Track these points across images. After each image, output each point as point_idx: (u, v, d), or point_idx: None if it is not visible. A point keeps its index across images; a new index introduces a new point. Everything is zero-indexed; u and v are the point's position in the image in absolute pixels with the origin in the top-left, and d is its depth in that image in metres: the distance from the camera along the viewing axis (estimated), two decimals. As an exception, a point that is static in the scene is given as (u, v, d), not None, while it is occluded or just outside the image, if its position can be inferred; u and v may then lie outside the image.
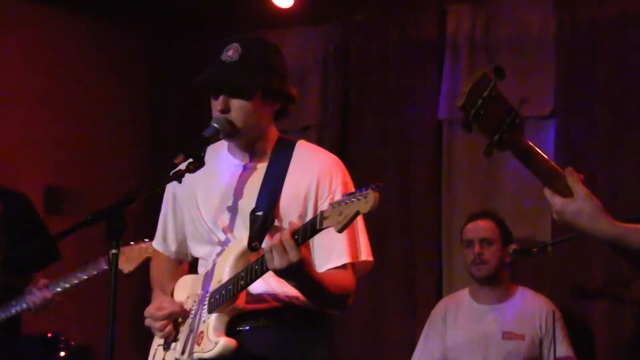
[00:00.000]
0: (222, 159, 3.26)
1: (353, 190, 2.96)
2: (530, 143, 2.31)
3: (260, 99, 3.13)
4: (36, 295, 4.57)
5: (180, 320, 3.24)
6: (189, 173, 2.96)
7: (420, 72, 5.92)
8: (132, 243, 4.53)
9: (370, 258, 3.21)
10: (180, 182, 2.94)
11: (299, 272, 2.89)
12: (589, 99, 5.40)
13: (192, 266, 3.49)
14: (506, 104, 2.24)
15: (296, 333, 3.15)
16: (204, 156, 3.00)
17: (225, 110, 3.09)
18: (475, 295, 5.06)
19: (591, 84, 5.40)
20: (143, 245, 4.54)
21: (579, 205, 2.34)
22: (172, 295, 3.36)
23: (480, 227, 5.02)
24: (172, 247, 3.44)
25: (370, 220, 3.14)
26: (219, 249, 3.20)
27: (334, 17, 6.23)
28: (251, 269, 2.99)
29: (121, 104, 6.59)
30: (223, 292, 3.06)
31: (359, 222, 3.16)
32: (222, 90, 3.10)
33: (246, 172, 3.22)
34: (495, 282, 5.00)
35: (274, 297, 3.13)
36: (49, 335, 5.51)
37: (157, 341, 3.31)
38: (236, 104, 3.10)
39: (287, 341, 3.13)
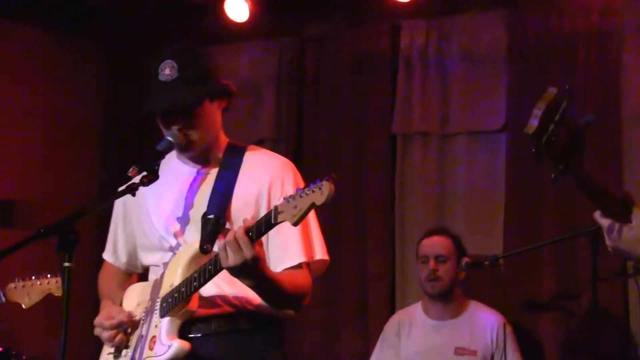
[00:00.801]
0: (173, 167, 3.26)
1: None
2: (588, 169, 2.14)
3: (209, 105, 3.15)
4: None
5: (129, 329, 3.23)
6: (143, 186, 2.96)
7: (374, 87, 5.97)
8: (33, 278, 4.50)
9: (326, 257, 3.21)
10: (134, 195, 2.93)
11: (253, 269, 2.87)
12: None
13: (142, 278, 3.46)
14: (574, 126, 2.04)
15: (249, 339, 3.14)
16: (158, 169, 3.00)
17: (183, 129, 3.10)
18: (427, 310, 5.09)
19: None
20: (46, 280, 4.51)
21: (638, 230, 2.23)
22: (121, 304, 3.34)
23: (436, 244, 5.06)
24: (123, 258, 3.44)
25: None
26: (170, 254, 3.19)
27: (289, 31, 6.25)
28: (204, 270, 2.97)
29: (75, 118, 6.55)
30: (176, 294, 3.05)
31: (314, 221, 3.19)
32: (174, 113, 3.10)
33: (198, 178, 3.23)
34: (448, 298, 5.04)
35: (226, 301, 3.12)
36: (0, 349, 5.45)
37: (107, 349, 3.29)
38: (192, 119, 3.11)
39: (240, 348, 3.12)
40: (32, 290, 4.45)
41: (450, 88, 5.77)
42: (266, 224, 2.83)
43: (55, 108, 6.42)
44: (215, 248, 3.03)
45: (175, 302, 3.05)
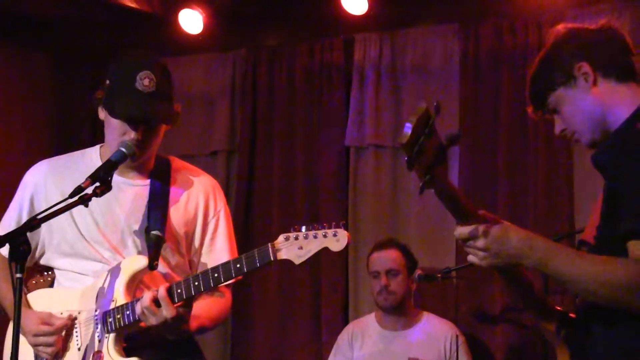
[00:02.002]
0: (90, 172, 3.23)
1: (229, 211, 3.26)
2: (451, 181, 2.28)
3: (171, 124, 3.25)
4: None
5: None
6: (96, 197, 2.94)
7: (328, 99, 5.98)
8: None
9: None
10: (87, 206, 2.91)
11: (176, 328, 2.97)
12: (491, 126, 5.53)
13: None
14: (439, 140, 2.16)
15: (172, 352, 3.16)
16: (111, 180, 2.98)
17: (143, 140, 3.13)
18: (381, 321, 5.11)
19: (493, 112, 5.53)
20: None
21: (505, 226, 2.37)
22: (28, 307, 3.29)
23: (386, 258, 5.07)
24: None
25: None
26: (101, 266, 3.18)
27: (242, 43, 6.25)
28: (134, 315, 3.02)
29: (24, 128, 6.48)
30: (128, 313, 3.05)
31: (234, 241, 3.32)
32: (147, 125, 3.13)
33: (130, 189, 3.24)
34: (401, 310, 5.06)
35: None
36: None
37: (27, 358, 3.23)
38: (152, 133, 3.16)
39: (169, 357, 3.15)
40: None
41: (403, 100, 5.80)
42: (262, 261, 2.89)
43: (2, 121, 6.33)
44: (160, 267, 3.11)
45: (128, 320, 3.05)
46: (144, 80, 3.11)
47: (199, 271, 3.11)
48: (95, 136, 6.44)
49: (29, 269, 3.37)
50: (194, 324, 3.06)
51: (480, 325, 5.41)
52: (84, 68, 6.48)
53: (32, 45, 6.40)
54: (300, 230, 2.86)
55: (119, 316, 3.06)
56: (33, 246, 3.27)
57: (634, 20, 5.15)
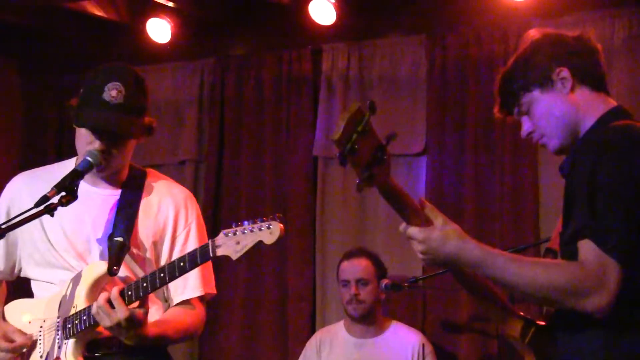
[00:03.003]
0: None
1: (202, 224, 3.23)
2: (394, 180, 2.30)
3: (136, 138, 3.22)
4: None
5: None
6: (62, 206, 2.93)
7: (296, 109, 5.99)
8: None
9: (214, 291, 3.32)
10: (52, 215, 2.90)
11: (131, 331, 2.96)
12: (458, 137, 5.56)
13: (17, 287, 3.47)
14: (377, 140, 2.19)
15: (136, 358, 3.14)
16: (77, 190, 2.98)
17: (107, 151, 3.12)
18: (350, 329, 5.13)
19: (461, 122, 5.56)
20: None
21: (443, 228, 2.39)
22: (3, 318, 3.30)
23: (357, 267, 5.09)
24: (0, 266, 3.38)
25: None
26: (69, 274, 3.18)
27: (210, 53, 6.25)
28: (90, 318, 3.03)
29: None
30: (84, 317, 3.05)
31: None
32: (110, 136, 3.12)
33: (100, 199, 3.24)
34: (370, 319, 5.08)
35: None
36: None
37: None
38: (119, 146, 3.15)
39: None
40: None
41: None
42: (202, 256, 2.89)
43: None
44: (121, 271, 3.10)
45: (84, 324, 3.06)
46: (112, 92, 3.09)
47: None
48: (61, 144, 6.44)
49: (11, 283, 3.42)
50: (153, 330, 3.05)
51: (447, 334, 5.43)
52: (52, 76, 6.45)
53: (0, 52, 6.37)
54: (241, 225, 2.84)
55: (76, 321, 3.06)
56: (12, 261, 3.34)
57: (597, 33, 5.18)
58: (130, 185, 3.27)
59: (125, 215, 3.18)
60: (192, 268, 2.94)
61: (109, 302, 2.92)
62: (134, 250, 3.17)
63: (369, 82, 5.84)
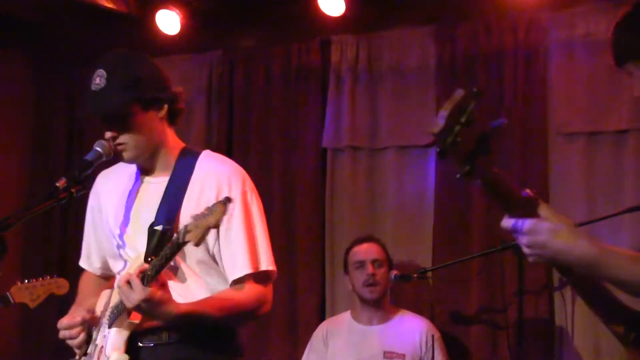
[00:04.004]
0: (130, 175, 3.27)
1: (249, 199, 3.12)
2: (498, 171, 2.11)
3: (141, 112, 3.12)
4: None
5: (95, 331, 3.23)
6: (73, 197, 2.94)
7: (305, 100, 5.99)
8: (34, 279, 4.60)
9: (271, 267, 3.20)
10: (62, 205, 2.91)
11: (151, 310, 2.92)
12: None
13: None
14: (481, 129, 2.03)
15: (199, 350, 3.11)
16: (85, 180, 2.98)
17: (116, 137, 3.10)
18: (357, 316, 5.13)
19: (470, 114, 5.54)
20: (47, 281, 4.75)
21: (555, 221, 2.19)
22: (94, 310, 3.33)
23: (371, 249, 5.11)
24: (96, 263, 3.43)
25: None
26: (123, 263, 3.21)
27: (219, 45, 6.25)
28: (120, 305, 3.04)
29: (3, 129, 6.46)
30: (120, 306, 3.06)
31: (261, 231, 3.19)
32: (103, 121, 3.10)
33: (150, 186, 3.22)
34: (380, 304, 5.08)
35: None
36: None
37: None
38: (122, 127, 3.10)
39: (189, 358, 3.10)
40: (36, 291, 4.66)
41: (379, 103, 5.81)
42: (173, 246, 2.84)
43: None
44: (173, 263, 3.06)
45: (119, 313, 3.07)
46: (95, 80, 3.06)
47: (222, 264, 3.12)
48: (71, 136, 6.46)
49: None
50: (185, 308, 2.98)
51: (456, 325, 5.43)
52: (61, 68, 6.46)
53: (10, 44, 6.38)
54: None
55: (115, 310, 3.08)
56: (104, 257, 3.36)
57: (608, 24, 5.17)
58: (179, 169, 3.20)
59: (169, 202, 3.13)
60: (157, 273, 2.88)
61: (129, 283, 2.90)
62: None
63: (378, 74, 5.83)
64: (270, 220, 5.74)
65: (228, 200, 2.72)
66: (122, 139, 3.10)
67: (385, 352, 4.94)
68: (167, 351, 3.08)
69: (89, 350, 3.21)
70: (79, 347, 3.23)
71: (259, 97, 6.12)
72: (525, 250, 2.20)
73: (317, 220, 5.87)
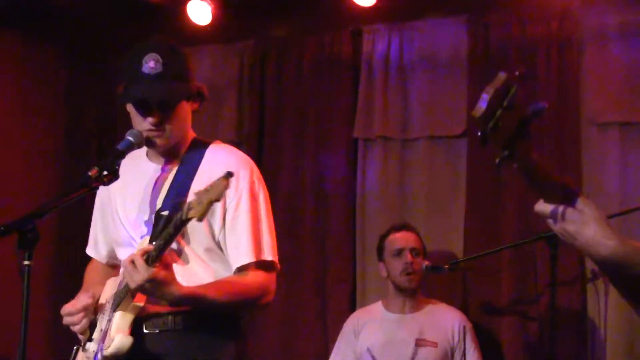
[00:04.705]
0: (140, 164, 3.31)
1: (256, 190, 3.19)
2: (537, 155, 2.07)
3: (184, 103, 3.23)
4: None
5: (99, 316, 3.27)
6: (104, 185, 2.97)
7: (336, 90, 5.98)
8: None
9: (272, 258, 3.24)
10: (94, 194, 2.96)
11: (154, 290, 2.95)
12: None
13: None
14: (522, 113, 1.98)
15: (203, 336, 3.16)
16: (118, 169, 3.01)
17: (159, 123, 3.15)
18: (388, 305, 5.13)
19: (502, 104, 5.51)
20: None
21: (586, 213, 2.16)
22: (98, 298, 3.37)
23: (409, 237, 5.11)
24: (103, 252, 3.49)
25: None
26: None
27: (251, 35, 6.25)
28: (125, 287, 3.07)
29: (36, 119, 6.50)
30: (125, 289, 3.10)
31: (266, 221, 3.24)
32: (155, 106, 3.15)
33: (160, 175, 3.27)
34: (414, 294, 5.09)
35: None
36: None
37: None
38: (169, 115, 3.17)
39: (193, 344, 3.14)
40: None
41: (411, 93, 5.80)
42: (177, 222, 2.86)
43: (15, 111, 6.36)
44: (178, 246, 3.12)
45: (124, 295, 3.10)
46: (149, 63, 3.12)
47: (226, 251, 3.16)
48: (103, 126, 6.49)
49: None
50: (187, 290, 3.02)
51: (487, 316, 5.41)
52: (94, 59, 6.49)
53: (44, 37, 6.41)
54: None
55: (120, 294, 3.12)
56: (110, 245, 3.43)
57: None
58: (189, 158, 3.27)
59: (177, 189, 3.18)
60: (161, 252, 2.91)
61: (132, 263, 2.93)
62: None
63: (409, 64, 5.81)
64: (300, 210, 5.84)
65: (230, 174, 2.74)
66: (166, 125, 3.17)
67: (416, 340, 4.94)
68: (172, 337, 3.13)
69: (93, 336, 3.24)
70: (82, 332, 3.27)
71: (290, 88, 6.12)
72: (558, 234, 2.20)
73: (348, 211, 5.86)
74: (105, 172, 2.96)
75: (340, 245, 5.83)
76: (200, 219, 2.77)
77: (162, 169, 3.28)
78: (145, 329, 3.13)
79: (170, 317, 3.13)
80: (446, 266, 4.97)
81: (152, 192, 3.24)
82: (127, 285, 3.05)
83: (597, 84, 5.32)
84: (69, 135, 6.65)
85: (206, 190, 2.77)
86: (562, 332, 5.06)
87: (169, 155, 3.28)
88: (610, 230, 2.15)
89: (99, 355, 3.13)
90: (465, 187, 5.58)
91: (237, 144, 6.19)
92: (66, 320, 3.27)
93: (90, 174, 2.94)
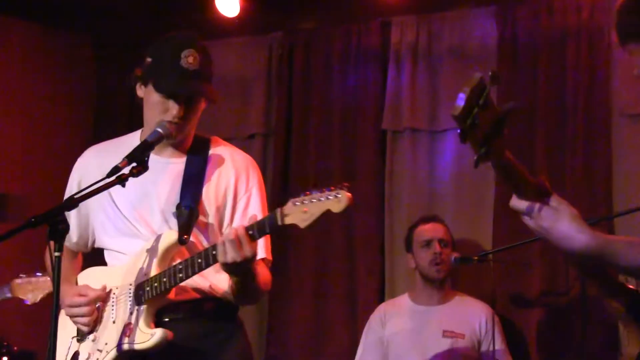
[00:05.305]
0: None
1: (264, 190, 3.32)
2: (510, 154, 2.17)
3: (204, 100, 3.32)
4: None
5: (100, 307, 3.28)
6: (133, 177, 2.98)
7: (364, 82, 5.97)
8: (38, 274, 4.49)
9: (270, 257, 3.36)
10: (124, 185, 2.96)
11: (247, 267, 3.03)
12: (529, 109, 5.49)
13: (89, 258, 3.57)
14: (496, 112, 2.07)
15: (215, 324, 3.27)
16: (147, 161, 3.02)
17: (185, 117, 3.23)
18: (415, 297, 5.13)
19: (532, 94, 5.49)
20: (49, 278, 4.49)
21: (559, 209, 2.25)
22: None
23: (438, 228, 5.11)
24: (73, 238, 3.47)
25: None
26: (139, 242, 3.25)
27: (278, 26, 6.25)
28: (193, 263, 3.07)
29: (65, 109, 6.54)
30: (155, 284, 3.13)
31: None
32: (190, 100, 3.23)
33: (165, 168, 3.30)
34: (441, 285, 5.09)
35: (195, 288, 3.23)
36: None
37: (70, 334, 3.33)
38: (193, 110, 3.26)
39: (207, 332, 3.24)
40: (37, 287, 4.43)
41: (440, 84, 5.78)
42: (271, 225, 2.94)
43: (45, 101, 6.40)
44: (192, 239, 3.18)
45: (155, 291, 3.13)
46: (189, 58, 3.19)
47: None
48: (132, 115, 6.50)
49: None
50: (254, 269, 3.14)
51: (516, 309, 5.39)
52: (122, 49, 6.51)
53: (73, 29, 6.45)
54: (309, 195, 2.87)
55: (148, 288, 3.14)
56: (85, 233, 3.46)
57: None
58: (195, 152, 3.35)
59: (191, 183, 3.26)
60: (260, 236, 3.00)
61: (238, 239, 2.96)
62: (201, 218, 3.24)
63: (438, 55, 5.79)
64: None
65: (348, 187, 2.85)
66: (189, 120, 3.26)
67: (444, 332, 4.94)
68: (181, 326, 3.18)
69: (97, 328, 3.25)
70: (88, 324, 3.26)
71: (318, 79, 6.11)
72: (533, 230, 2.29)
73: (377, 203, 5.85)
74: (134, 164, 2.98)
75: (369, 239, 5.82)
76: (306, 228, 2.87)
77: (164, 162, 3.31)
78: (162, 318, 3.19)
79: (182, 307, 3.21)
80: (475, 258, 4.95)
81: (155, 184, 3.28)
82: (162, 287, 3.09)
83: (627, 75, 5.27)
84: (98, 126, 6.67)
85: (315, 200, 2.84)
86: (594, 324, 5.03)
87: (176, 148, 3.34)
88: (584, 225, 2.23)
89: (111, 347, 3.16)
90: (494, 178, 5.55)
91: (265, 135, 6.21)
92: (74, 311, 3.27)
93: (119, 165, 2.96)
